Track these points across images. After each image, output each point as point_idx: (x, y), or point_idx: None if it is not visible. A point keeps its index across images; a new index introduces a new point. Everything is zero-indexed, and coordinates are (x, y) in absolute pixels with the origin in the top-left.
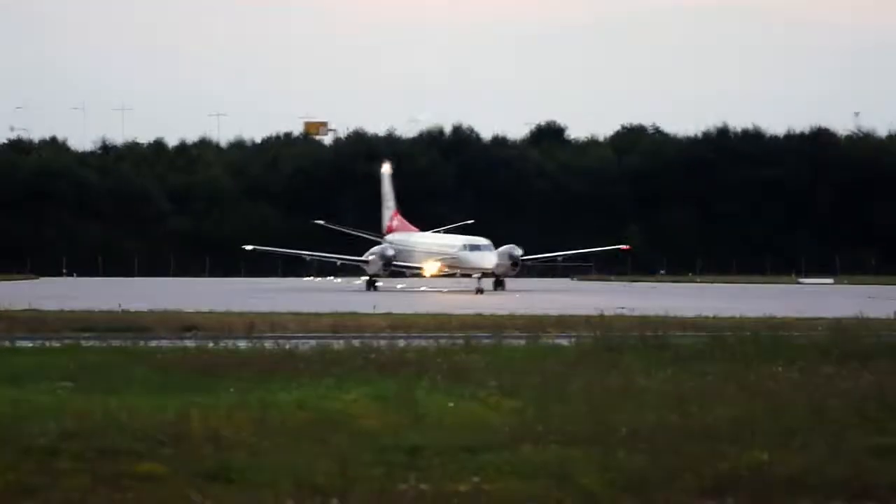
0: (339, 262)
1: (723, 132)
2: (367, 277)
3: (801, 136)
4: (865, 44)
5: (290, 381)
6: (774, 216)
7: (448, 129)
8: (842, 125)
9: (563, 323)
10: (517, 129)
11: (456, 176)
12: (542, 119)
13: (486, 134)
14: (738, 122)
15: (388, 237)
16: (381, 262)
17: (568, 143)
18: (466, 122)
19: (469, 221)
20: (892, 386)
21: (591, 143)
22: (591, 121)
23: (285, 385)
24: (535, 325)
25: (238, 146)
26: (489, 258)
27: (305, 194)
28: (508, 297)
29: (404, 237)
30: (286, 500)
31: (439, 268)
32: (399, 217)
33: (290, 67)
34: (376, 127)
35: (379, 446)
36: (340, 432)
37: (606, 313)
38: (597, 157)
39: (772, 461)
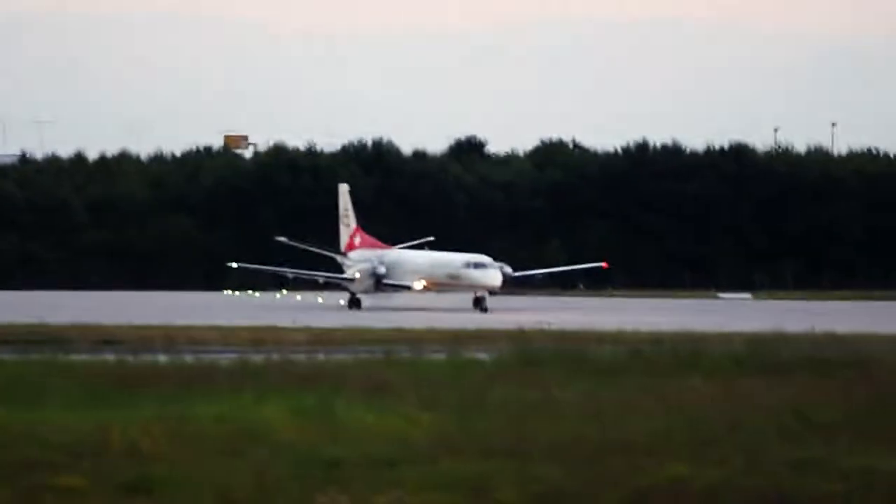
0: (321, 280)
1: (642, 147)
2: (350, 295)
3: (721, 151)
4: (785, 60)
5: (210, 395)
6: (694, 231)
7: (369, 143)
8: (761, 140)
9: (484, 337)
10: (437, 144)
11: (376, 189)
12: (462, 133)
13: (407, 148)
14: (658, 137)
15: (352, 254)
16: (370, 280)
17: (488, 157)
18: (387, 137)
19: (430, 238)
20: (810, 399)
21: (511, 158)
22: (510, 135)
23: (204, 398)
24: (456, 339)
25: (158, 159)
26: (495, 276)
27: (226, 207)
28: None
29: (379, 254)
30: None
31: (435, 285)
32: (362, 233)
33: (210, 81)
34: (297, 141)
35: (298, 459)
36: (259, 445)
37: (527, 328)
38: (516, 170)
39: (690, 474)
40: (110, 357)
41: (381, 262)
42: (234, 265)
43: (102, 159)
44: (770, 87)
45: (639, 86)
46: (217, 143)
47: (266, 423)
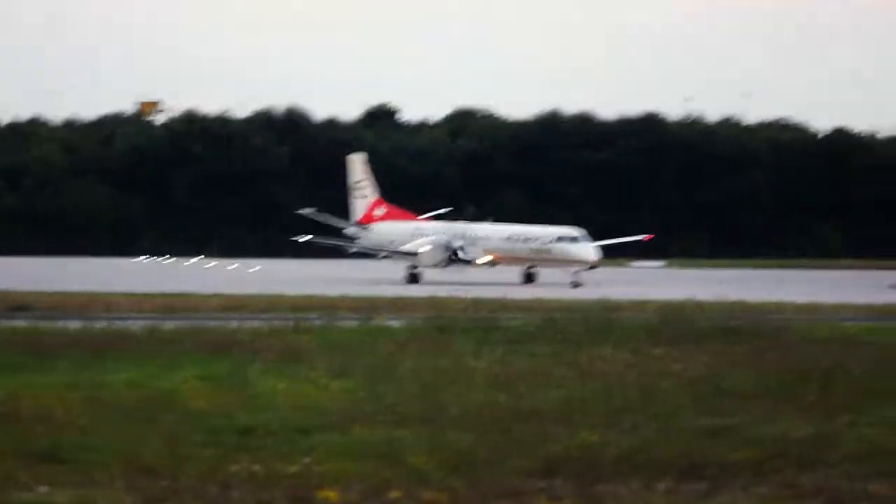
0: (351, 251)
1: (555, 116)
2: (409, 269)
3: (633, 121)
4: (697, 29)
5: (122, 362)
6: (607, 199)
7: (281, 110)
8: (673, 110)
9: (397, 305)
10: (350, 111)
11: (289, 157)
12: (375, 101)
13: (320, 115)
14: (571, 106)
15: (374, 227)
16: (443, 254)
17: (401, 125)
18: (300, 103)
19: (448, 209)
20: (722, 367)
21: (424, 126)
22: (424, 103)
23: (117, 365)
24: (369, 307)
25: (71, 125)
26: (592, 250)
27: (139, 173)
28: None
29: (449, 226)
30: (117, 479)
31: (517, 260)
32: (386, 205)
33: (123, 46)
34: (210, 107)
35: (210, 427)
36: (171, 413)
37: (440, 295)
38: (429, 139)
39: (601, 442)
40: (22, 323)
41: (458, 236)
42: (304, 238)
43: (15, 125)
44: (682, 57)
45: (551, 55)
46: (130, 108)
47: (178, 391)
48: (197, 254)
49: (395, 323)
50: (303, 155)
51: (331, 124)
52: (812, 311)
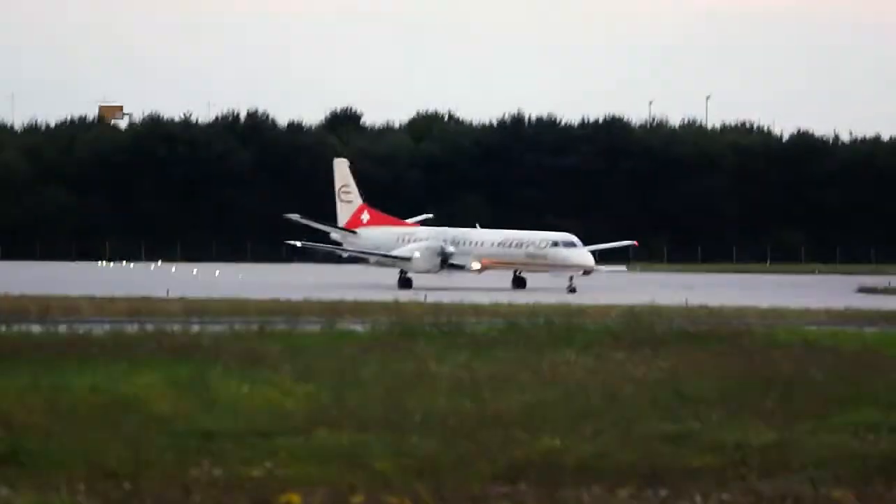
0: (345, 255)
1: (518, 120)
2: (401, 274)
3: (596, 125)
4: (659, 34)
5: (84, 365)
6: (569, 204)
7: (244, 115)
8: (635, 114)
9: (360, 309)
10: (314, 115)
11: (252, 161)
12: (338, 105)
13: (283, 120)
14: (534, 110)
15: (361, 231)
16: (436, 259)
17: (364, 129)
18: (262, 108)
19: (429, 215)
20: (684, 372)
21: (387, 130)
22: (387, 107)
23: (78, 369)
24: (332, 310)
25: (32, 130)
26: (587, 255)
27: (101, 178)
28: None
29: (441, 231)
30: (78, 483)
31: (509, 265)
32: (371, 210)
33: (85, 52)
34: (172, 112)
35: (172, 431)
36: (133, 416)
37: (402, 300)
38: (392, 143)
39: (564, 447)
40: None
41: (449, 241)
42: (298, 244)
43: None
44: (645, 62)
45: (514, 59)
46: (92, 113)
47: (140, 394)
48: (160, 258)
49: (359, 327)
50: (265, 159)
51: (294, 128)
52: (775, 315)
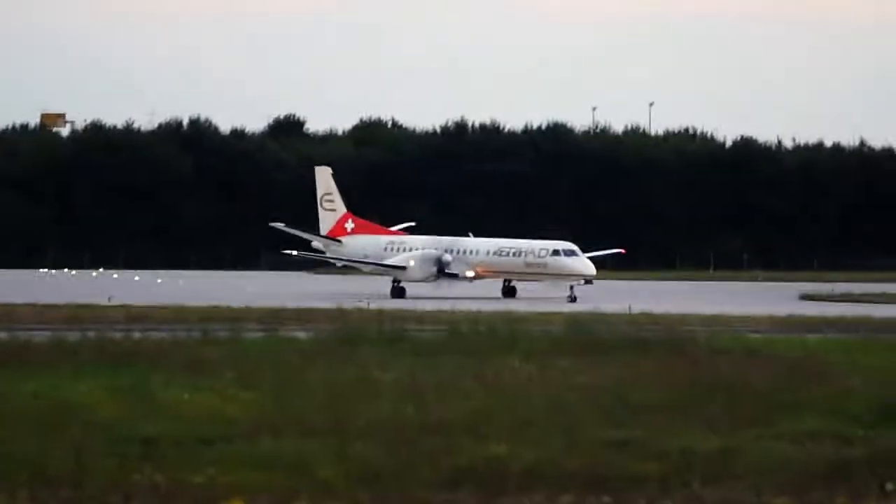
0: (339, 265)
1: (461, 126)
2: (394, 283)
3: (539, 131)
4: (603, 39)
5: (25, 372)
6: (513, 210)
7: (186, 122)
8: (579, 121)
9: (303, 316)
10: (256, 122)
11: (194, 168)
12: (281, 112)
13: (225, 127)
14: (477, 116)
15: (346, 240)
16: (432, 268)
17: (307, 135)
18: (204, 115)
19: (411, 223)
20: (628, 379)
21: (331, 136)
22: (330, 114)
23: (20, 376)
24: (274, 317)
25: None
26: (588, 264)
27: (44, 185)
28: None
29: (437, 240)
30: (20, 490)
31: (506, 274)
32: (355, 218)
33: (27, 58)
34: (115, 119)
35: (113, 437)
36: (75, 423)
37: (345, 306)
38: (336, 149)
39: (507, 454)
40: None
41: (446, 249)
42: (294, 253)
43: None
44: (588, 67)
45: (458, 64)
46: (34, 120)
47: (82, 401)
48: (102, 265)
49: (301, 334)
50: (208, 166)
51: (236, 135)
52: (718, 322)
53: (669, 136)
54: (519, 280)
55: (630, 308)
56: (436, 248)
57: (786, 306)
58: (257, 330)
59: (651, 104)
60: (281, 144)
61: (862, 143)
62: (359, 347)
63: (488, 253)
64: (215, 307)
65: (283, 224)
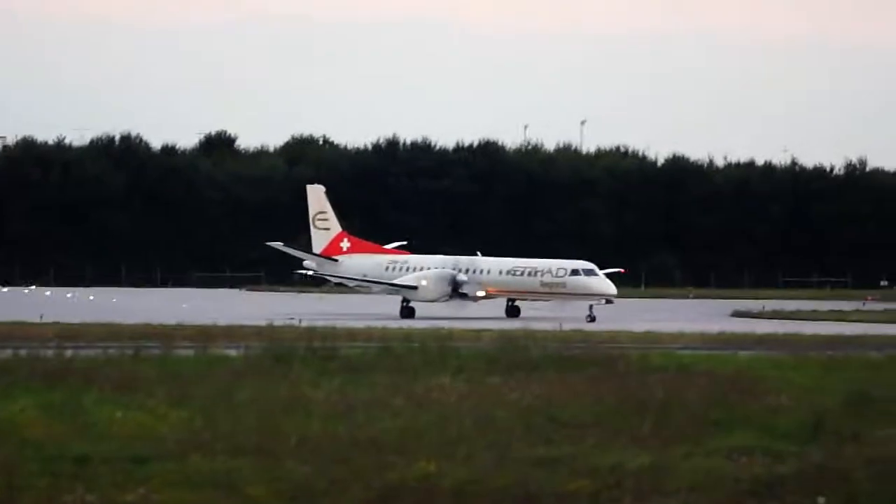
0: (352, 285)
1: (393, 144)
2: (404, 303)
3: (471, 149)
4: (533, 58)
5: None
6: (444, 228)
7: (117, 138)
8: (510, 138)
9: (233, 333)
10: (188, 139)
11: (126, 185)
12: (212, 128)
13: (156, 143)
14: (409, 134)
15: (344, 259)
16: (446, 287)
17: (238, 152)
18: (136, 131)
19: (404, 242)
20: (558, 397)
21: (262, 153)
22: (261, 131)
23: None
24: (205, 335)
25: None
26: (609, 283)
27: None
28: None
29: (453, 259)
30: None
31: (521, 294)
32: (350, 237)
33: None
34: (47, 135)
35: (46, 456)
36: (6, 442)
37: (276, 323)
38: (267, 166)
39: (438, 471)
40: None
41: (461, 268)
42: (309, 273)
43: None
44: (519, 86)
45: (389, 82)
46: None
47: (14, 420)
48: (34, 282)
49: (232, 352)
50: (139, 183)
51: (167, 151)
52: (650, 340)
53: (601, 154)
54: (534, 300)
55: (561, 325)
56: (450, 268)
57: (717, 323)
58: (189, 347)
59: (583, 122)
60: (212, 161)
61: (793, 163)
62: (290, 365)
63: (500, 272)
64: (147, 324)
65: (281, 243)
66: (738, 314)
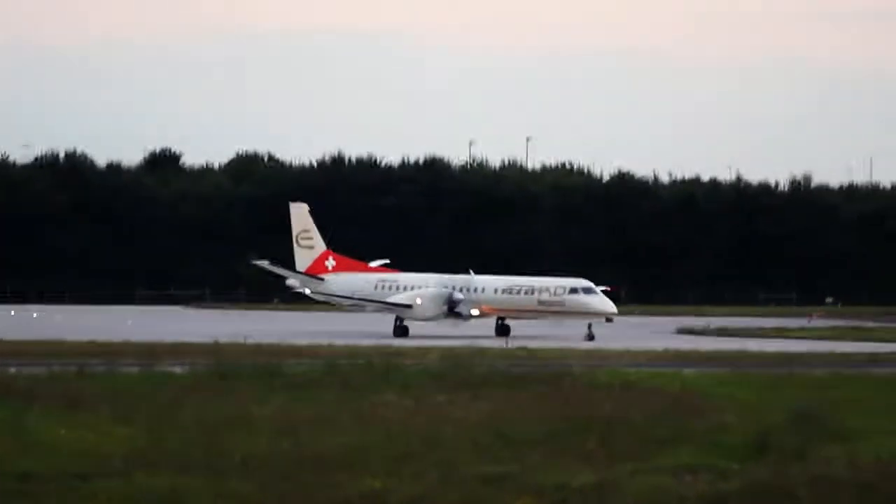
0: (348, 304)
1: (338, 161)
2: (398, 321)
3: (416, 165)
4: (479, 74)
5: None
6: (390, 244)
7: (62, 155)
8: (456, 155)
9: (179, 351)
10: (133, 156)
11: (70, 203)
12: (157, 146)
13: (101, 160)
14: (354, 151)
15: (330, 278)
16: (442, 306)
17: (183, 169)
18: (81, 149)
19: (387, 261)
20: (504, 414)
21: (207, 171)
22: (206, 148)
23: None
24: (150, 352)
25: None
26: (608, 302)
27: None
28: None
29: (447, 278)
30: None
31: (516, 312)
32: (335, 255)
33: None
34: None
35: None
36: None
37: (222, 340)
38: (212, 184)
39: (384, 488)
40: None
41: (457, 287)
42: (307, 292)
43: None
44: (465, 101)
45: (334, 99)
46: None
47: None
48: None
49: (178, 369)
50: (84, 200)
51: (113, 169)
52: (595, 357)
53: (547, 171)
54: (531, 319)
55: (507, 343)
56: (445, 287)
57: (662, 341)
58: (134, 365)
59: (528, 139)
60: (157, 178)
61: (738, 179)
62: (235, 382)
63: (496, 291)
64: (92, 342)
65: (267, 262)
66: (683, 331)
